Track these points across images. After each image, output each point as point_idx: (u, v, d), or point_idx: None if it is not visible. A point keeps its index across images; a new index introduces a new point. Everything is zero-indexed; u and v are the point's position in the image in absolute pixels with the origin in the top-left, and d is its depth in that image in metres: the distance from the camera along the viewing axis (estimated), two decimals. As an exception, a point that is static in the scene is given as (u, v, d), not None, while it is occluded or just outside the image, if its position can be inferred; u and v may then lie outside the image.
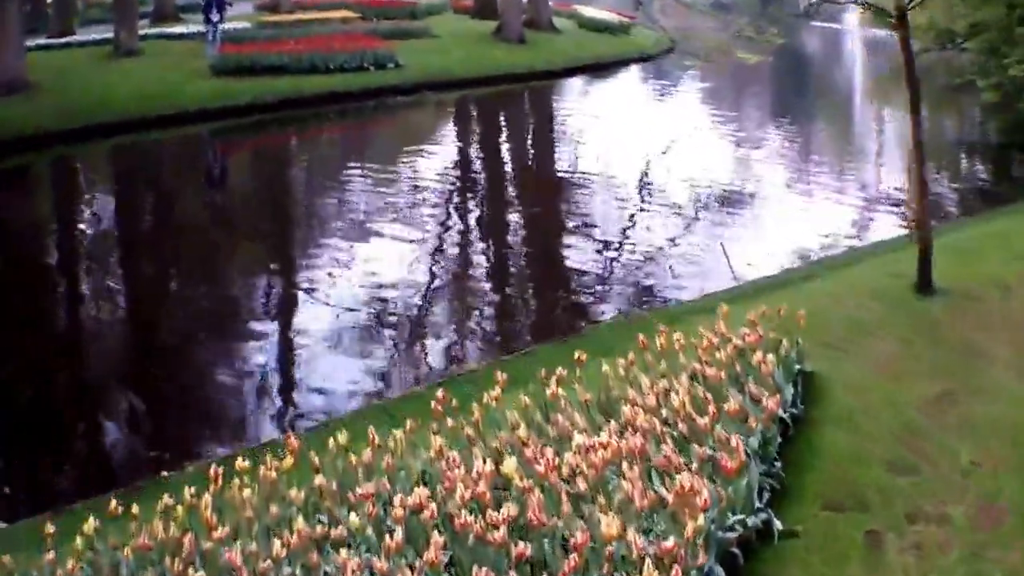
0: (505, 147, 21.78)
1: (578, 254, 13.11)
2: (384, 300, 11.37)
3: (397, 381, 9.19)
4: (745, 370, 6.36)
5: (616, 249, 13.32)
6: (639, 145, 19.95)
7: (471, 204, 16.63)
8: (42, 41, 28.43)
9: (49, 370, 9.82)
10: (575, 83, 29.25)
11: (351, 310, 10.87)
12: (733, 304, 7.79)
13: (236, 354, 10.19)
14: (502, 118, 25.70)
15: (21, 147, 19.59)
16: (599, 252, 13.09)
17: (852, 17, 45.19)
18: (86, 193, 18.77)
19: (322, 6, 34.40)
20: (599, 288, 11.84)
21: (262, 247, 14.04)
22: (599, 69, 30.93)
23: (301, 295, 11.59)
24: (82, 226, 16.21)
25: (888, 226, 13.96)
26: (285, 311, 11.40)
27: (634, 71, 32.33)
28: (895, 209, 14.94)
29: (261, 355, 10.04)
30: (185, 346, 10.42)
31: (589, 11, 39.26)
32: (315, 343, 10.08)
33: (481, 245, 14.21)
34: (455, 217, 15.61)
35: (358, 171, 18.32)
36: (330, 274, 12.25)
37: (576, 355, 6.44)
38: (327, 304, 11.06)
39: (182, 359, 10.15)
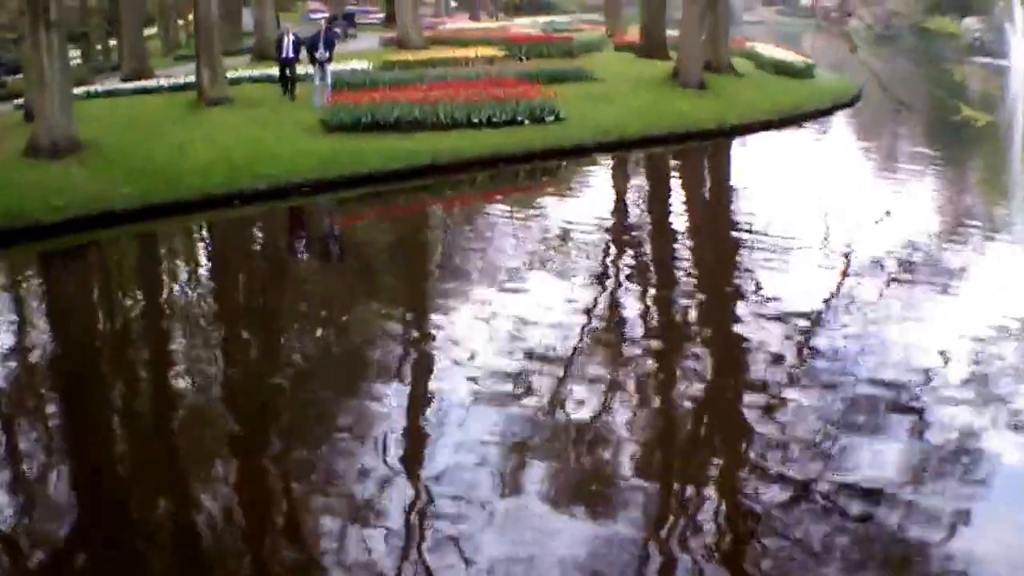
0: (726, 231, 14.53)
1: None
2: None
3: None
4: None
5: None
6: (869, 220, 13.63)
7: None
8: (112, 86, 22.55)
9: None
10: (770, 139, 22.15)
11: None
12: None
13: None
14: (705, 190, 18.45)
15: (54, 232, 13.60)
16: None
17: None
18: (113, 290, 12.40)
19: (461, 41, 28.04)
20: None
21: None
22: (791, 122, 23.88)
23: None
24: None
25: None
26: None
27: (831, 123, 25.19)
28: None
29: None
30: None
31: (768, 50, 32.28)
32: None
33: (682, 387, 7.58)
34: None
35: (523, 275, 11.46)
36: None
37: None
38: None
39: None
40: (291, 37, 20.06)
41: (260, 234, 15.10)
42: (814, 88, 28.19)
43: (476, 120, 18.46)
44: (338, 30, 39.08)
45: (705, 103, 23.03)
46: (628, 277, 11.66)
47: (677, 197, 17.76)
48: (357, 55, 25.77)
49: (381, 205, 16.15)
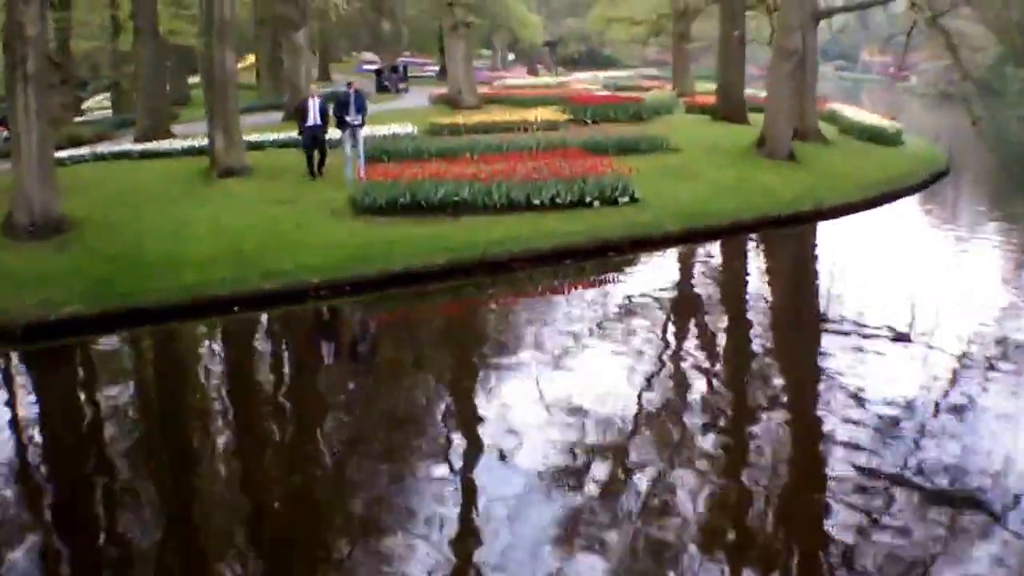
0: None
1: None
2: None
3: None
4: None
5: None
6: None
7: None
8: (122, 146, 19.25)
9: None
10: (875, 222, 18.30)
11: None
12: None
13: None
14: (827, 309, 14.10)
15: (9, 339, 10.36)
16: None
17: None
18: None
19: (519, 100, 24.52)
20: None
21: None
22: (892, 198, 20.09)
23: None
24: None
25: None
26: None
27: (932, 198, 21.40)
28: None
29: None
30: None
31: (852, 112, 28.56)
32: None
33: None
34: None
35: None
36: None
37: None
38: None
39: None
40: (316, 101, 16.33)
41: (255, 356, 11.44)
42: (905, 156, 24.55)
43: (537, 202, 14.92)
44: (387, 83, 36.06)
45: (797, 177, 19.38)
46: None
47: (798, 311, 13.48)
48: (401, 115, 22.39)
49: (414, 318, 12.44)
